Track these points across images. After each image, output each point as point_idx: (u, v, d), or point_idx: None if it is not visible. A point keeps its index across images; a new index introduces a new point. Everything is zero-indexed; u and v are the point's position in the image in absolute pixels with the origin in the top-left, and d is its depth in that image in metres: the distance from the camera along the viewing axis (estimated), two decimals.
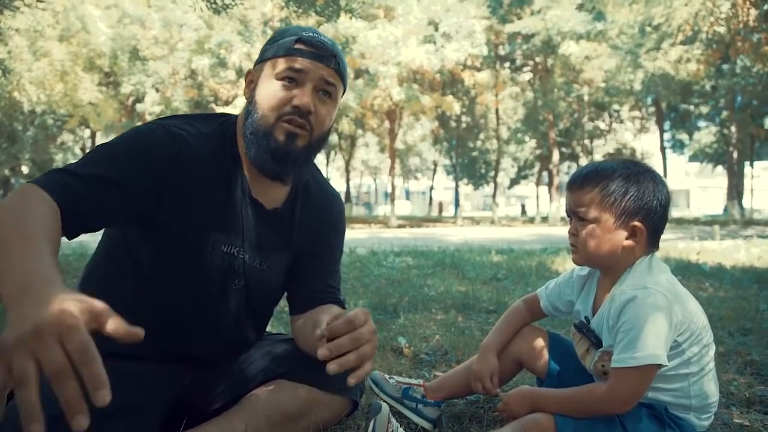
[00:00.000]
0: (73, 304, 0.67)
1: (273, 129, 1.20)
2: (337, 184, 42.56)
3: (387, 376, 1.62)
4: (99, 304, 0.69)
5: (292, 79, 1.20)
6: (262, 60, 1.25)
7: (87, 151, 26.84)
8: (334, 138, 26.09)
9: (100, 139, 24.88)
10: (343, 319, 0.97)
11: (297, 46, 1.20)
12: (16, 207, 0.91)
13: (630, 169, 1.28)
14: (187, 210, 1.19)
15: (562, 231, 15.03)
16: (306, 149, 1.23)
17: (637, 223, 1.26)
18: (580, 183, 1.29)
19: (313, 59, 1.20)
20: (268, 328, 1.50)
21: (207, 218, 1.22)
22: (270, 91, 1.20)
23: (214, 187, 1.22)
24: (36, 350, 0.62)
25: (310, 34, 1.22)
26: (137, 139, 1.16)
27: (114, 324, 0.69)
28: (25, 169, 28.16)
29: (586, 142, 25.63)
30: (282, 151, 1.20)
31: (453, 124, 24.64)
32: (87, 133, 25.10)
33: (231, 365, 1.35)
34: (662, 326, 1.17)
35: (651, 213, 1.26)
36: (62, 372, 0.62)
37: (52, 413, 0.72)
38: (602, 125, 27.89)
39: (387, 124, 22.07)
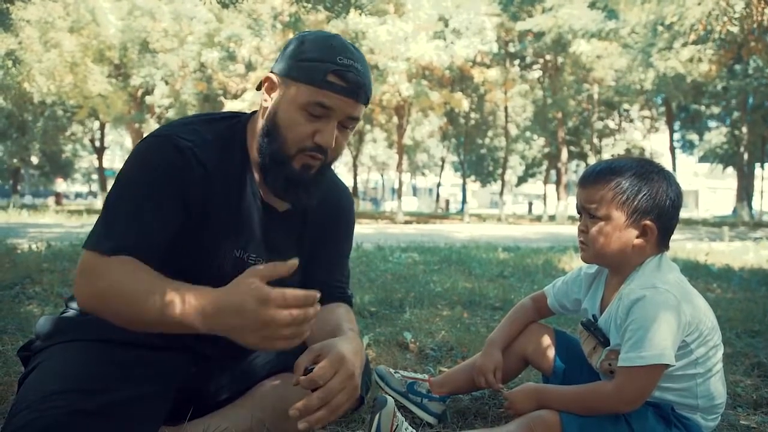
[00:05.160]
0: (253, 288, 0.93)
1: (291, 160, 1.19)
2: (345, 179, 42.57)
3: (392, 371, 1.62)
4: (248, 279, 0.95)
5: (318, 113, 1.16)
6: (288, 75, 1.18)
7: (97, 144, 26.68)
8: None
9: (109, 131, 25.00)
10: (308, 377, 1.02)
11: (330, 78, 1.14)
12: (125, 277, 1.07)
13: (643, 168, 1.27)
14: (198, 219, 1.19)
15: (570, 230, 14.98)
16: (317, 174, 1.24)
17: (648, 222, 1.25)
18: (592, 180, 1.28)
19: (344, 95, 1.16)
20: None
21: (218, 225, 1.22)
22: (294, 120, 1.17)
23: (224, 195, 1.22)
24: (284, 326, 0.92)
25: (346, 61, 1.16)
26: (150, 165, 1.16)
27: (279, 270, 0.97)
28: (34, 160, 28.36)
29: (595, 141, 25.47)
30: (296, 179, 1.21)
31: (461, 120, 24.56)
32: (96, 124, 25.22)
33: (238, 357, 1.36)
34: (671, 326, 1.17)
35: (663, 212, 1.26)
36: (303, 319, 0.93)
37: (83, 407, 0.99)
38: (612, 124, 27.73)
39: (395, 119, 22.02)
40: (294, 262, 0.96)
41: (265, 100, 1.22)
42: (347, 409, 1.03)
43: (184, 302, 0.99)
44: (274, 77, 1.21)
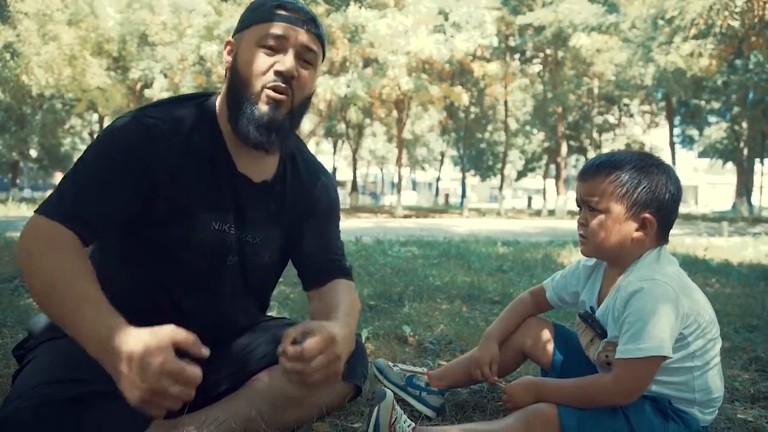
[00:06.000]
0: (149, 349, 0.87)
1: (256, 98, 1.20)
2: (344, 173, 42.50)
3: (391, 364, 1.62)
4: (164, 337, 0.89)
5: (273, 46, 1.19)
6: (241, 28, 1.24)
7: (95, 137, 26.96)
8: (341, 127, 26.02)
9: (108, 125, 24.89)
10: (295, 349, 1.02)
11: (277, 11, 1.20)
12: (51, 259, 1.03)
13: (643, 161, 1.27)
14: (172, 195, 1.20)
15: (569, 224, 14.99)
16: (289, 117, 1.23)
17: (647, 215, 1.25)
18: (592, 173, 1.28)
19: (293, 24, 1.20)
20: (274, 313, 1.51)
21: (194, 200, 1.22)
22: (251, 59, 1.20)
23: (197, 168, 1.23)
24: (159, 399, 0.87)
25: (289, 0, 1.22)
26: (113, 141, 1.17)
27: (186, 342, 0.91)
28: (33, 153, 28.28)
29: (595, 135, 25.44)
30: (265, 120, 1.20)
31: (461, 115, 24.50)
32: (95, 117, 25.15)
33: (236, 349, 1.36)
34: (669, 318, 1.17)
35: (662, 206, 1.25)
36: (181, 398, 0.88)
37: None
38: (612, 119, 27.68)
39: (395, 113, 21.96)
40: (206, 351, 0.92)
41: (227, 63, 1.26)
42: (322, 386, 1.06)
43: (87, 321, 0.95)
44: (231, 40, 1.27)
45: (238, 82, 1.21)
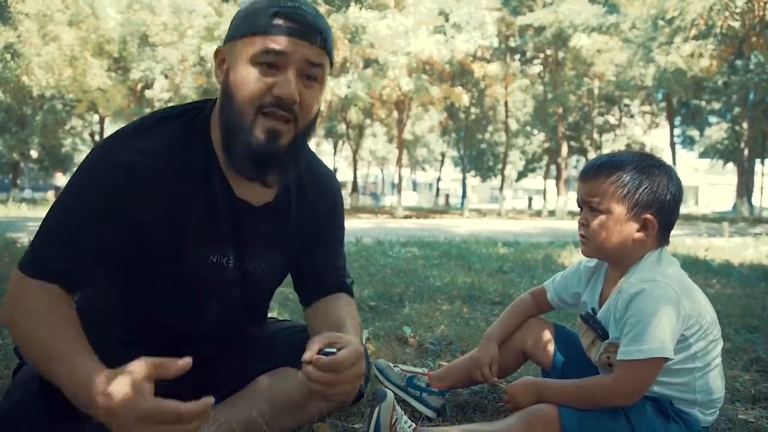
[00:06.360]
0: (118, 399, 0.80)
1: (252, 126, 1.04)
2: (345, 173, 42.52)
3: (392, 365, 1.62)
4: (138, 372, 0.81)
5: (271, 63, 1.02)
6: (233, 37, 1.06)
7: (96, 138, 26.82)
8: (342, 127, 26.03)
9: (108, 125, 24.93)
10: (331, 359, 0.97)
11: (276, 21, 1.02)
12: (33, 317, 0.98)
13: (644, 162, 1.27)
14: (165, 231, 1.10)
15: (569, 225, 14.98)
16: (292, 146, 1.08)
17: (648, 216, 1.25)
18: (593, 173, 1.28)
19: (295, 37, 1.02)
20: (275, 314, 1.51)
21: (188, 232, 1.12)
22: (246, 79, 1.03)
23: (189, 200, 1.11)
24: None
25: (290, 4, 1.03)
26: (90, 184, 1.06)
27: (160, 370, 0.82)
28: (34, 154, 28.31)
29: (596, 136, 25.45)
30: (263, 152, 1.04)
31: (461, 115, 24.52)
32: (96, 118, 25.18)
33: (236, 352, 1.36)
34: (670, 319, 1.17)
35: (663, 206, 1.25)
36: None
37: None
38: (612, 120, 27.69)
39: (395, 114, 21.99)
40: (187, 361, 0.83)
41: (218, 76, 1.10)
42: (337, 400, 1.03)
43: (65, 379, 0.90)
44: (223, 49, 1.11)
45: (231, 105, 1.05)
